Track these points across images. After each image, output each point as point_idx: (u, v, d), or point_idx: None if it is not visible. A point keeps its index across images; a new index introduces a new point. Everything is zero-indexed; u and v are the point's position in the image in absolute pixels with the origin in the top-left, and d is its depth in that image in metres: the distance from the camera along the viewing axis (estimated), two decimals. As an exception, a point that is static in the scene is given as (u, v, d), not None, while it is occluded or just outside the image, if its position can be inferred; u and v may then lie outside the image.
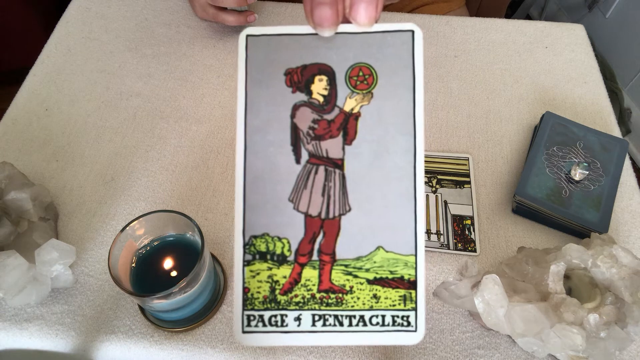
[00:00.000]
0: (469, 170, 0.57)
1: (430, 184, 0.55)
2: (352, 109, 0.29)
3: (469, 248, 0.51)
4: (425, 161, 0.57)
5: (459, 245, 0.51)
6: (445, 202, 0.54)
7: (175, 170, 0.56)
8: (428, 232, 0.52)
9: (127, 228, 0.41)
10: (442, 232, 0.52)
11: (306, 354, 0.44)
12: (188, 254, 0.43)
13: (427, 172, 0.56)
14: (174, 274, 0.42)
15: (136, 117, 0.61)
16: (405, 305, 0.28)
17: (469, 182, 0.56)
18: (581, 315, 0.39)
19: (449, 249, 0.51)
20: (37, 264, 0.43)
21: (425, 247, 0.51)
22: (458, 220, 0.53)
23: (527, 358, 0.45)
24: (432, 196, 0.54)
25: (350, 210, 0.29)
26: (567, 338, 0.39)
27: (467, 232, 0.52)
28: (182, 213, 0.41)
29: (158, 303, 0.40)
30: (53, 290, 0.46)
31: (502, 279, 0.41)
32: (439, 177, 0.56)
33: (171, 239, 0.44)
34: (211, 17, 0.66)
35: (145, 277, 0.42)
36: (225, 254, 0.50)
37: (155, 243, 0.44)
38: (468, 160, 0.58)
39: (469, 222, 0.53)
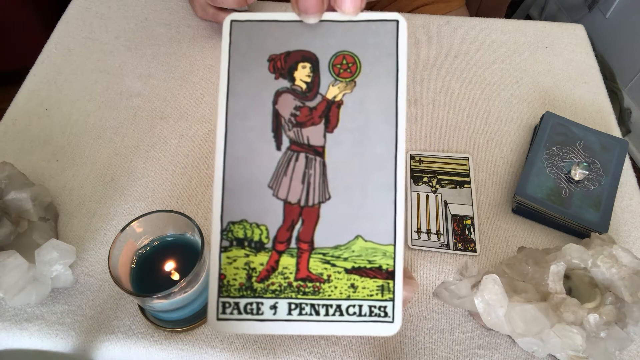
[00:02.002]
0: (469, 170, 0.57)
1: (430, 184, 0.55)
2: (334, 97, 0.29)
3: (469, 248, 0.51)
4: (425, 161, 0.57)
5: (459, 245, 0.51)
6: (445, 202, 0.54)
7: (175, 170, 0.56)
8: (428, 232, 0.52)
9: (127, 228, 0.41)
10: (442, 232, 0.52)
11: (306, 354, 0.44)
12: (188, 254, 0.43)
13: (427, 172, 0.56)
14: (174, 274, 0.42)
15: (136, 117, 0.61)
16: (382, 296, 0.28)
17: (469, 182, 0.56)
18: (581, 315, 0.39)
19: (449, 249, 0.51)
20: (37, 264, 0.43)
21: (426, 247, 0.51)
22: (458, 220, 0.53)
23: (527, 358, 0.45)
24: (432, 196, 0.54)
25: (329, 198, 0.29)
26: (567, 338, 0.39)
27: (467, 232, 0.52)
28: (182, 213, 0.41)
29: (158, 303, 0.40)
30: (53, 290, 0.46)
31: (502, 279, 0.41)
32: (439, 177, 0.56)
33: (171, 239, 0.44)
34: (211, 17, 0.66)
35: (145, 277, 0.42)
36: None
37: (155, 243, 0.44)
38: (468, 160, 0.58)
39: (469, 222, 0.53)
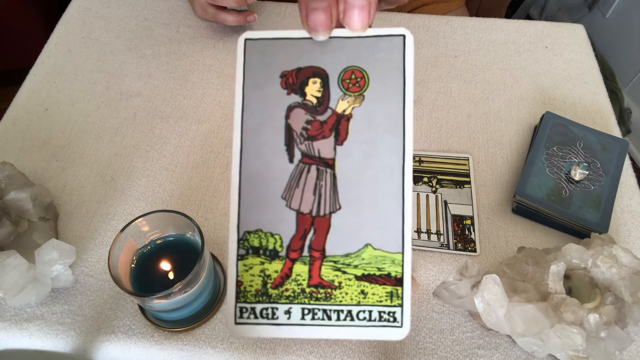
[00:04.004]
0: (469, 170, 0.57)
1: (430, 184, 0.55)
2: (344, 111, 0.30)
3: (469, 248, 0.51)
4: (425, 161, 0.57)
5: (459, 245, 0.51)
6: (445, 202, 0.54)
7: (175, 170, 0.56)
8: (428, 232, 0.52)
9: (127, 228, 0.41)
10: (442, 232, 0.52)
11: (306, 354, 0.44)
12: (188, 254, 0.43)
13: (427, 172, 0.56)
14: (173, 274, 0.42)
15: (136, 117, 0.61)
16: (391, 302, 0.29)
17: (469, 182, 0.56)
18: (581, 315, 0.39)
19: (449, 249, 0.51)
20: (37, 264, 0.43)
21: (426, 247, 0.51)
22: (458, 220, 0.53)
23: (527, 358, 0.45)
24: (432, 196, 0.54)
25: (340, 208, 0.30)
26: (567, 338, 0.39)
27: (467, 232, 0.52)
28: (182, 213, 0.41)
29: (158, 303, 0.40)
30: (53, 290, 0.46)
31: (502, 279, 0.41)
32: (439, 177, 0.56)
33: (171, 239, 0.44)
34: (211, 17, 0.66)
35: (145, 277, 0.42)
36: (225, 254, 0.50)
37: (156, 243, 0.44)
38: (468, 160, 0.58)
39: (469, 222, 0.53)
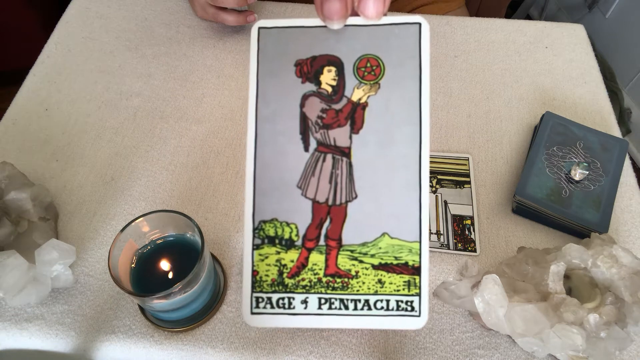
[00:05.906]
0: (469, 170, 0.57)
1: (430, 184, 0.55)
2: (359, 99, 0.30)
3: (469, 248, 0.51)
4: (425, 161, 0.57)
5: (459, 245, 0.51)
6: (445, 202, 0.54)
7: (175, 170, 0.56)
8: (428, 232, 0.52)
9: (127, 228, 0.41)
10: (442, 232, 0.52)
11: (306, 354, 0.44)
12: (188, 254, 0.43)
13: (427, 172, 0.56)
14: (173, 274, 0.42)
15: (136, 117, 0.61)
16: (409, 291, 0.29)
17: (469, 182, 0.56)
18: (581, 315, 0.39)
19: (449, 249, 0.51)
20: (37, 264, 0.43)
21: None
22: (458, 220, 0.53)
23: (527, 358, 0.45)
24: (432, 196, 0.54)
25: (356, 197, 0.30)
26: (567, 338, 0.39)
27: (467, 232, 0.52)
28: (182, 213, 0.41)
29: (158, 303, 0.40)
30: (53, 290, 0.46)
31: (502, 279, 0.41)
32: (439, 177, 0.56)
33: (171, 239, 0.44)
34: (211, 17, 0.66)
35: (145, 277, 0.42)
36: (225, 254, 0.50)
37: (156, 243, 0.44)
38: (468, 160, 0.58)
39: (469, 222, 0.53)
